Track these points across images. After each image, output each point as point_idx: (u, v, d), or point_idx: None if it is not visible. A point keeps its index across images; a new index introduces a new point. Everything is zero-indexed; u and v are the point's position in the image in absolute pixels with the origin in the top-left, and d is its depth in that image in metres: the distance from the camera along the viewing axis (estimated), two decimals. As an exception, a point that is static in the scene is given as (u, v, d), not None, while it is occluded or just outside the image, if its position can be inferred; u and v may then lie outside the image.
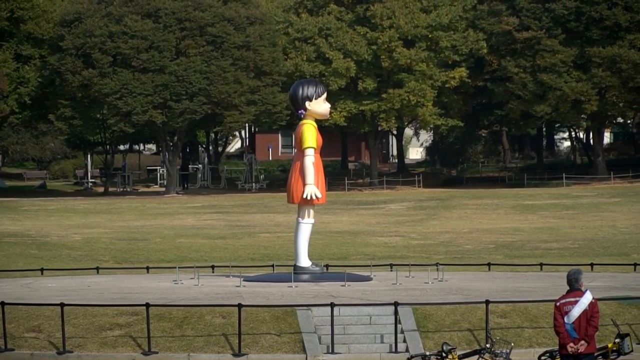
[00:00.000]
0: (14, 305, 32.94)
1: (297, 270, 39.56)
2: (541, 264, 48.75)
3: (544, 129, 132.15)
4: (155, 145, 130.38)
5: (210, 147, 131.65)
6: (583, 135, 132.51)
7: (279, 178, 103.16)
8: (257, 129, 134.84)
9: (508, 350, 29.96)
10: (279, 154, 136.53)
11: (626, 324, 31.82)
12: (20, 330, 32.32)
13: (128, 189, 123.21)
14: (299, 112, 39.67)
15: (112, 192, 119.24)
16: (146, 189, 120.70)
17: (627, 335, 30.96)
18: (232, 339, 30.92)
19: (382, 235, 72.21)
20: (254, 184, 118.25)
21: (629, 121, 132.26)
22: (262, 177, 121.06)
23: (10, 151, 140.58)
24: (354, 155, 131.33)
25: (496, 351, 29.75)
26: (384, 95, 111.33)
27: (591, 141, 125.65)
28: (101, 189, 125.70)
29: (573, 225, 74.72)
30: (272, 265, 45.50)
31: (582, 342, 19.34)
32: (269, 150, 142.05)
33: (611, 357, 28.17)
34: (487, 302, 31.33)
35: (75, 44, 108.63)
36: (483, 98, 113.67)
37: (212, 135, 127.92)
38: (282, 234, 54.08)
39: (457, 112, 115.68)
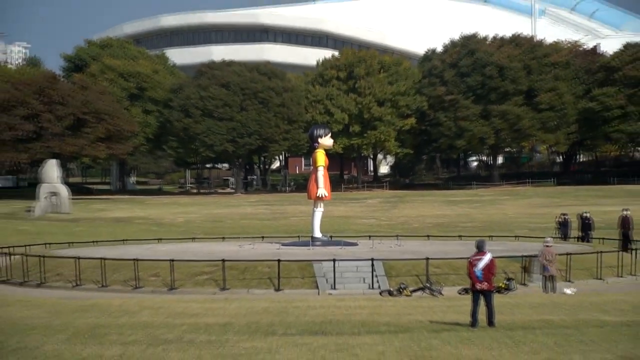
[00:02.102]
0: (142, 260, 32.87)
1: (313, 239, 39.92)
2: (460, 236, 48.90)
3: (462, 155, 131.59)
4: (227, 164, 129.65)
5: (261, 165, 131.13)
6: (485, 158, 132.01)
7: (302, 184, 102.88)
8: (289, 155, 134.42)
9: (440, 288, 30.01)
10: (302, 169, 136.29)
11: (511, 272, 31.68)
12: (146, 276, 32.28)
13: (211, 191, 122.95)
14: (314, 144, 40.16)
15: (201, 193, 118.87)
16: (222, 191, 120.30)
17: (512, 279, 30.91)
18: (274, 280, 30.97)
19: (364, 218, 72.08)
20: (287, 187, 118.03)
21: (514, 149, 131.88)
22: (292, 183, 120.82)
23: (139, 167, 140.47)
24: (347, 170, 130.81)
25: (432, 288, 29.75)
26: (365, 135, 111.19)
27: (490, 162, 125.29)
28: (195, 191, 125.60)
29: (479, 212, 74.52)
30: (298, 236, 45.70)
31: (485, 282, 19.23)
32: (296, 167, 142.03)
33: (503, 292, 28.15)
34: (427, 258, 31.46)
35: (179, 103, 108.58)
36: (424, 136, 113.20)
37: (262, 158, 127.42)
38: (304, 217, 54.09)
39: (409, 145, 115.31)
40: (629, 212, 45.22)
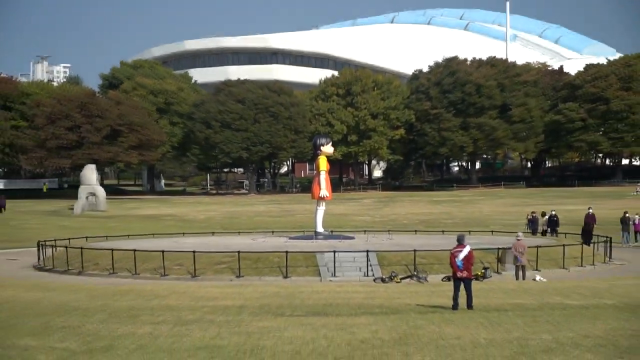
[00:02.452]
0: (168, 252, 32.90)
1: (316, 234, 39.75)
2: (442, 231, 48.90)
3: (444, 161, 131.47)
4: (242, 168, 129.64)
5: (271, 170, 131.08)
6: (464, 164, 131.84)
7: (306, 186, 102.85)
8: (295, 160, 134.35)
9: (425, 275, 30.01)
10: (307, 173, 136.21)
11: (487, 262, 31.66)
12: (171, 265, 32.31)
13: (228, 192, 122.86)
14: (317, 152, 39.98)
15: (220, 193, 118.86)
16: (238, 192, 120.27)
17: (488, 268, 30.90)
18: (282, 269, 30.97)
19: (360, 215, 72.01)
20: (293, 189, 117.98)
21: (489, 156, 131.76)
22: (297, 185, 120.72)
23: (166, 171, 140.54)
24: (345, 174, 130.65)
25: (419, 276, 29.75)
26: (361, 144, 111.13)
27: (469, 167, 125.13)
28: (214, 192, 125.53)
29: (459, 211, 74.42)
30: (303, 231, 45.62)
31: (465, 271, 19.23)
32: (301, 172, 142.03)
33: (480, 280, 28.16)
34: (415, 250, 31.49)
35: (200, 116, 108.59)
36: (412, 144, 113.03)
37: (272, 163, 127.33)
38: (308, 214, 54.08)
39: (399, 152, 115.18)
40: (592, 210, 45.70)
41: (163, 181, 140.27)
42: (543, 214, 47.67)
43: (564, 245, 35.64)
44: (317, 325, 16.00)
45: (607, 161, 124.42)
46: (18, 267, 38.11)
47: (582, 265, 35.00)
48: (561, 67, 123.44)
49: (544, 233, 46.05)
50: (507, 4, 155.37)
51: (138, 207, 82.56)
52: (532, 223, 47.91)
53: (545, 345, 13.27)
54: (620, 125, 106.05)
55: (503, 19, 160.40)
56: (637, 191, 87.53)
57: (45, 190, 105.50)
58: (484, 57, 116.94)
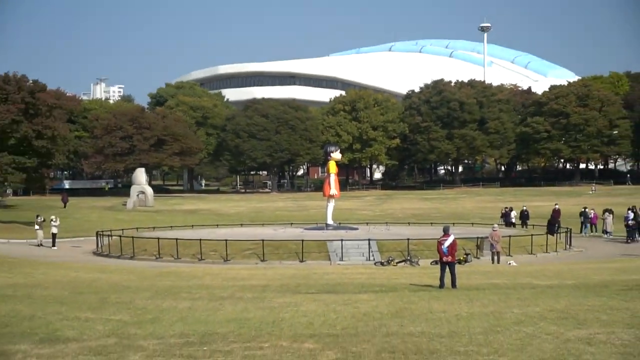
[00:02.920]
0: (205, 240, 32.93)
1: (327, 225, 39.66)
2: (431, 223, 48.66)
3: (433, 165, 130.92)
4: (266, 171, 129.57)
5: (289, 172, 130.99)
6: (449, 167, 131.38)
7: (319, 186, 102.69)
8: (309, 165, 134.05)
9: (417, 260, 29.87)
10: (319, 175, 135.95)
11: (468, 249, 31.54)
12: (207, 251, 32.42)
13: (254, 190, 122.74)
14: (328, 157, 39.98)
15: (247, 192, 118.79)
16: (262, 190, 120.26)
17: (469, 253, 30.77)
18: (299, 254, 30.96)
19: (363, 210, 71.87)
20: (308, 188, 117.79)
21: (470, 161, 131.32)
22: (311, 185, 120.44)
23: (203, 174, 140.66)
24: (351, 176, 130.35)
25: (412, 260, 29.63)
26: (363, 151, 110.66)
27: (453, 170, 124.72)
28: (242, 190, 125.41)
29: (445, 206, 74.22)
30: (316, 223, 45.27)
31: (450, 256, 19.15)
32: (315, 174, 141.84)
33: (462, 263, 28.04)
34: (408, 239, 31.38)
35: (231, 128, 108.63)
36: (406, 152, 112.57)
37: (290, 167, 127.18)
38: (320, 209, 54.02)
39: (395, 158, 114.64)
40: (558, 206, 45.81)
41: (203, 181, 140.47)
42: (521, 210, 48.30)
43: (532, 235, 35.57)
44: (328, 301, 15.96)
45: (568, 165, 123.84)
46: (80, 253, 38.29)
47: (547, 252, 34.91)
48: (529, 88, 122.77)
49: (512, 225, 46.34)
50: (485, 35, 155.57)
51: (180, 204, 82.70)
52: (506, 216, 47.88)
53: (516, 318, 13.25)
54: (579, 135, 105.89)
55: (481, 47, 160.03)
56: (592, 190, 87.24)
57: (106, 189, 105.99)
58: (466, 80, 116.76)
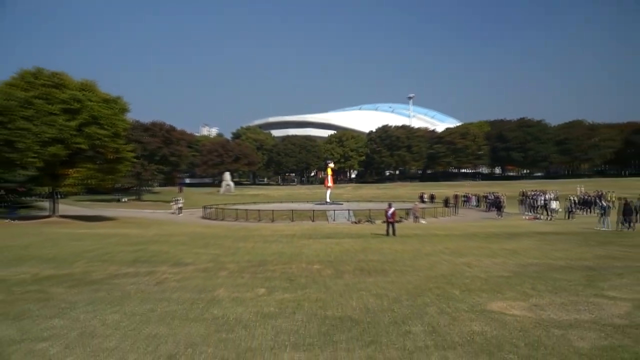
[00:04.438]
0: (262, 210, 32.42)
1: (326, 202, 39.19)
2: (382, 201, 47.78)
3: (383, 170, 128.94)
4: (294, 173, 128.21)
5: (307, 174, 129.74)
6: (392, 171, 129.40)
7: (322, 181, 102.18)
8: (317, 170, 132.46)
9: (374, 220, 29.58)
10: (322, 175, 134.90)
11: (401, 215, 31.07)
12: (263, 216, 31.56)
13: (287, 184, 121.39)
14: (326, 166, 39.39)
15: (283, 184, 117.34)
16: (292, 184, 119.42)
17: (402, 217, 30.23)
18: (311, 217, 30.55)
19: (345, 194, 70.80)
20: (316, 182, 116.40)
21: (403, 168, 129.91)
22: (318, 181, 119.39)
23: (260, 175, 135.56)
24: (338, 176, 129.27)
25: (372, 220, 29.33)
26: (345, 163, 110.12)
27: (395, 172, 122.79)
28: (281, 184, 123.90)
29: (390, 192, 72.31)
30: (321, 201, 44.72)
31: (392, 219, 18.96)
32: (320, 175, 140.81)
33: (398, 222, 27.72)
34: (370, 209, 30.95)
35: (275, 150, 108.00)
36: (369, 163, 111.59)
37: (307, 171, 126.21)
38: (323, 194, 53.63)
39: (363, 166, 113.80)
40: (457, 193, 44.76)
41: (266, 179, 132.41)
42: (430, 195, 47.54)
43: (435, 207, 35.22)
44: (327, 242, 15.86)
45: (455, 170, 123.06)
46: (194, 218, 38.10)
47: (444, 217, 34.62)
48: (434, 129, 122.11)
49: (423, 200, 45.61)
50: (411, 101, 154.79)
51: (248, 191, 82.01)
52: (421, 197, 47.52)
53: (427, 251, 13.16)
54: (461, 154, 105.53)
55: (408, 107, 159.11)
56: (468, 184, 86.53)
57: (214, 182, 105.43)
58: (400, 124, 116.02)
